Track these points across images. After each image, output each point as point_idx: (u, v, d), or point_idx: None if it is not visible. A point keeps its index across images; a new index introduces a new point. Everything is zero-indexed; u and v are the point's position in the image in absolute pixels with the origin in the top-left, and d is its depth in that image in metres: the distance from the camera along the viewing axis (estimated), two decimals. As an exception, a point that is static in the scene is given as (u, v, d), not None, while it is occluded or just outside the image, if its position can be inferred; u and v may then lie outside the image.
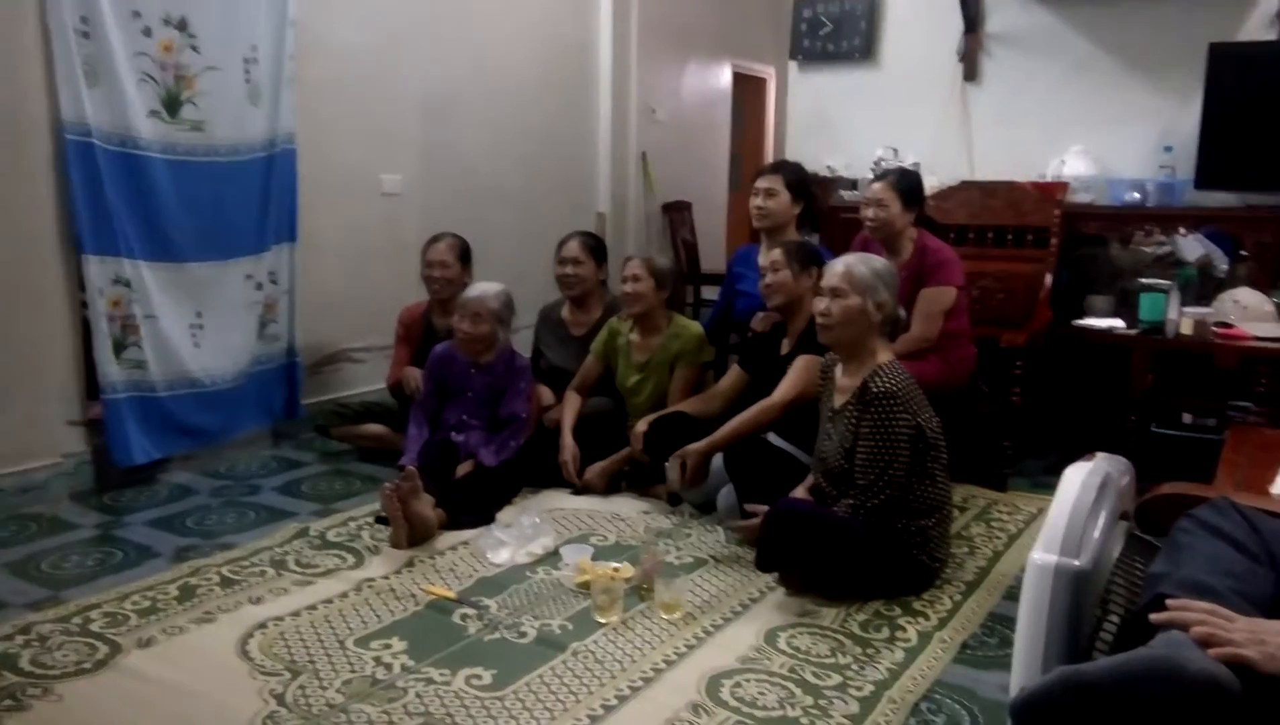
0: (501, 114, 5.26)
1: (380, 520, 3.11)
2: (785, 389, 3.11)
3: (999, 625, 2.53)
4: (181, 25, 3.52)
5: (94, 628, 2.41)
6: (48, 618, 2.46)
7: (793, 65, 5.45)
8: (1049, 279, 4.02)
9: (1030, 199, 4.20)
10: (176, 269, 3.60)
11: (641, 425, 3.38)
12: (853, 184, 4.87)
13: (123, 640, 2.35)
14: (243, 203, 3.80)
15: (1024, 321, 3.89)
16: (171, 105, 3.52)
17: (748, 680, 2.21)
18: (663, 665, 2.28)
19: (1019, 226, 4.19)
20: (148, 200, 3.47)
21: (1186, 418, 3.74)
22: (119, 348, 3.44)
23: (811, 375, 3.01)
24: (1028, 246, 4.17)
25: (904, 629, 2.49)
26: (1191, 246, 3.96)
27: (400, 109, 4.67)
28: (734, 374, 3.49)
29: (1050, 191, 4.21)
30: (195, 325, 3.69)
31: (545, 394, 3.84)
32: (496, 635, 2.41)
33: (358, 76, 4.42)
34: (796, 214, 3.67)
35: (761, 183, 3.70)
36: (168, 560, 2.88)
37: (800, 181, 3.73)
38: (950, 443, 2.77)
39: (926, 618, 2.56)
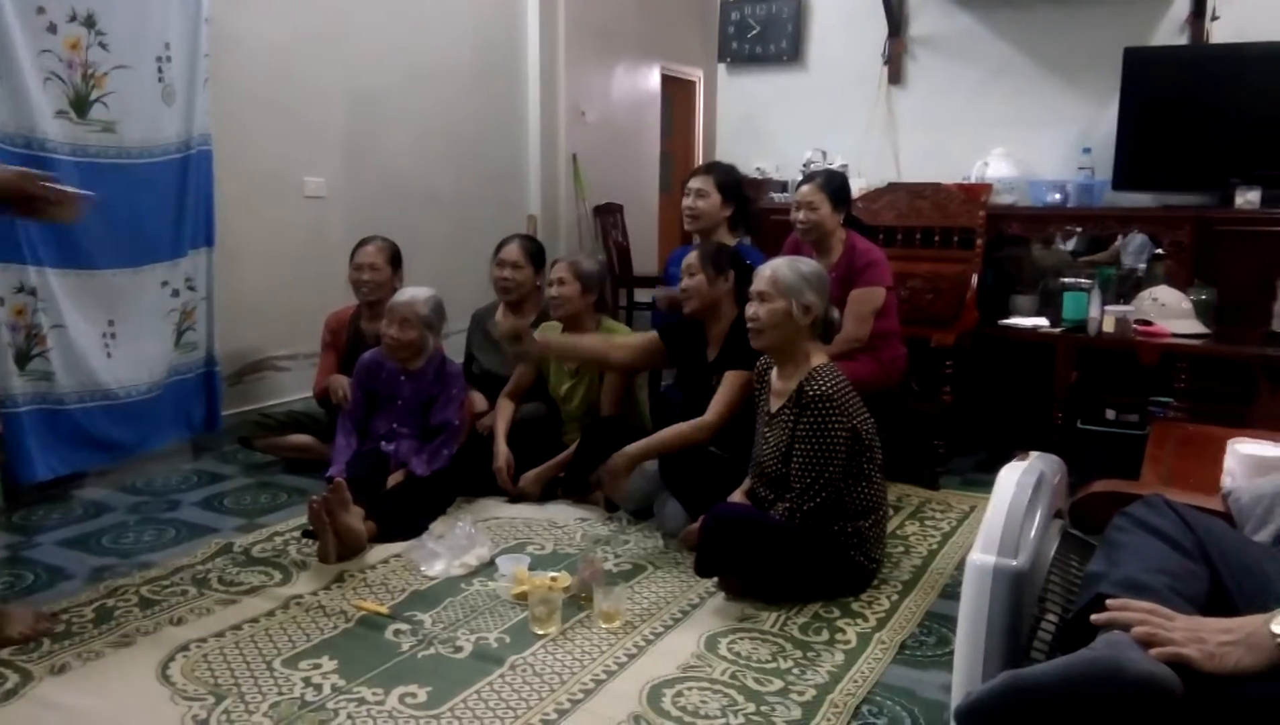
0: (429, 115, 5.17)
1: (308, 534, 3.02)
2: (719, 409, 3.05)
3: (936, 624, 2.55)
4: (89, 22, 3.37)
5: (3, 654, 2.28)
6: (-49, 647, 2.33)
7: (721, 67, 5.47)
8: (975, 279, 4.09)
9: (956, 201, 4.26)
10: (87, 276, 3.45)
11: (620, 459, 3.07)
12: (783, 186, 4.89)
13: (34, 668, 2.23)
14: (157, 206, 3.66)
15: (952, 321, 3.95)
16: (80, 105, 3.38)
17: (690, 689, 2.19)
18: (603, 676, 2.24)
19: (946, 228, 4.25)
20: (56, 204, 3.32)
21: (1110, 414, 3.83)
22: (23, 359, 3.28)
23: (743, 393, 3.00)
24: (954, 247, 4.24)
25: (843, 631, 2.49)
26: (1138, 247, 4.07)
27: (323, 110, 4.56)
28: (649, 337, 3.36)
29: (975, 193, 4.29)
30: (107, 334, 3.54)
31: (478, 400, 3.77)
32: (431, 651, 2.35)
33: (277, 76, 4.30)
34: (727, 216, 3.65)
35: (693, 183, 3.69)
36: (82, 581, 2.75)
37: (733, 183, 3.71)
38: (883, 442, 2.79)
39: (865, 619, 2.56)
